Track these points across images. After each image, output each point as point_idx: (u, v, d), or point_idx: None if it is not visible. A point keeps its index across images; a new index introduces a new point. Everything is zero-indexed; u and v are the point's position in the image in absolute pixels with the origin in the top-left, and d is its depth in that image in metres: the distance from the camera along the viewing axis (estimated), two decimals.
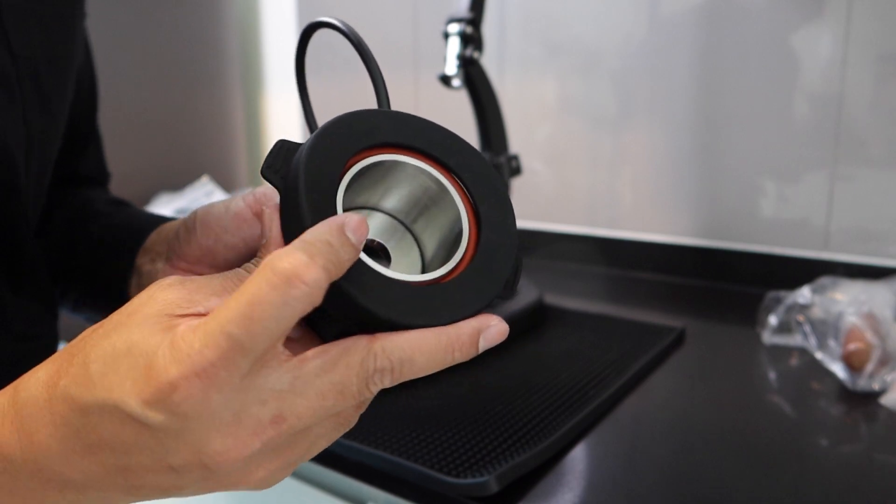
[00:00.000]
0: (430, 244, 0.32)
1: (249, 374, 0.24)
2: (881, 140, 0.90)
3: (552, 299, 0.93)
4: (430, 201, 0.32)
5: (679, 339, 0.81)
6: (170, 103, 1.45)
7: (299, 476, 0.64)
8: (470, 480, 0.50)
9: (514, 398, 0.64)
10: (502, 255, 0.30)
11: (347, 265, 0.25)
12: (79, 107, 0.54)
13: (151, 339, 0.25)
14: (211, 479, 0.25)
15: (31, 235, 0.46)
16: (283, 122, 1.59)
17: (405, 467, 0.53)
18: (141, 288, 0.45)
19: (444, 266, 0.29)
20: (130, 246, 0.47)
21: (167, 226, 0.46)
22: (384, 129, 0.30)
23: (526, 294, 0.86)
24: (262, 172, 0.29)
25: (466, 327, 0.27)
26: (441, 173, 0.31)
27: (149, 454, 0.25)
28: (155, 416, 0.24)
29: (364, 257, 0.27)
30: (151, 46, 1.41)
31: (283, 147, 0.29)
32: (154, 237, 0.46)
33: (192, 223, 0.42)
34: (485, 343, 0.28)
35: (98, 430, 0.25)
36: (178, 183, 1.43)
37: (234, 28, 1.56)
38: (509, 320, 0.78)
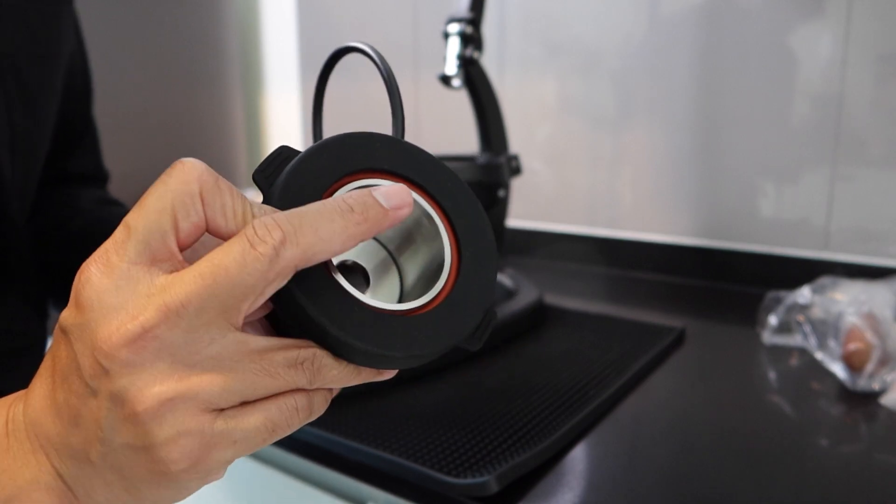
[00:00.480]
0: (411, 276, 0.32)
1: (139, 263, 0.24)
2: (881, 140, 0.90)
3: (552, 299, 0.93)
4: (420, 236, 0.32)
5: (679, 339, 0.81)
6: (170, 103, 1.45)
7: (299, 476, 0.64)
8: (470, 480, 0.50)
9: (514, 398, 0.64)
10: (473, 306, 0.29)
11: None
12: (72, 101, 0.53)
13: None
14: (115, 395, 0.24)
15: (19, 235, 0.45)
16: (283, 122, 1.59)
17: (405, 467, 0.53)
18: None
19: (414, 301, 0.29)
20: None
21: None
22: (386, 155, 0.30)
23: (526, 294, 0.86)
24: (253, 176, 0.28)
25: (351, 192, 0.27)
26: (436, 211, 0.31)
27: (73, 371, 0.25)
28: (66, 315, 0.25)
29: (335, 272, 0.27)
30: (151, 46, 1.41)
31: (281, 154, 0.29)
32: None
33: None
34: (386, 199, 0.26)
35: (56, 359, 0.26)
36: None
37: (234, 28, 1.56)
38: (509, 320, 0.79)
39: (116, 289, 0.24)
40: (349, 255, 0.31)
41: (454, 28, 0.85)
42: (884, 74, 0.88)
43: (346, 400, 0.64)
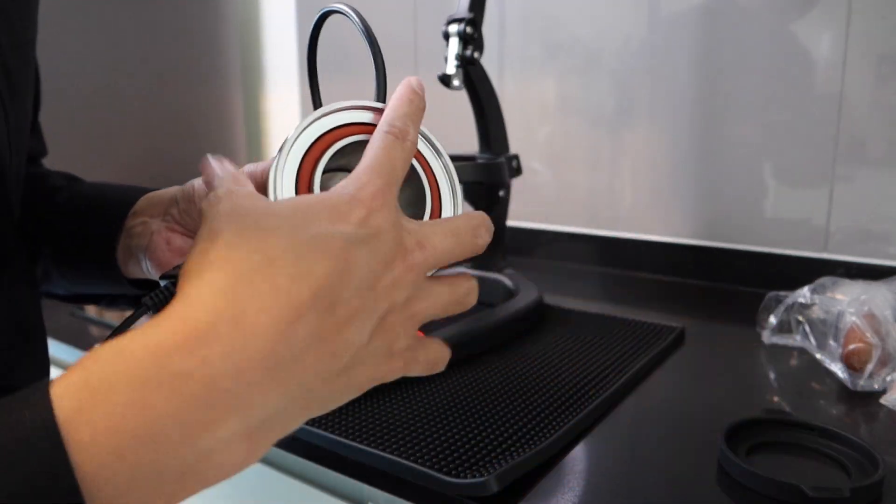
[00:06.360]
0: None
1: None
2: (881, 140, 0.90)
3: (552, 299, 0.93)
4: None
5: (679, 339, 0.81)
6: (170, 102, 1.45)
7: (299, 476, 0.64)
8: (470, 480, 0.50)
9: (514, 398, 0.64)
10: None
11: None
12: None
13: None
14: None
15: (14, 222, 0.46)
16: (283, 121, 1.59)
17: (405, 467, 0.53)
18: (129, 247, 0.49)
19: None
20: (117, 212, 0.50)
21: (158, 193, 0.50)
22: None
23: (526, 294, 0.86)
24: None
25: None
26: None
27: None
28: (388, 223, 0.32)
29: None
30: (152, 46, 1.41)
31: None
32: (144, 203, 0.50)
33: (190, 193, 0.45)
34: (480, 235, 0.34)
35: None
36: (177, 182, 1.43)
37: (234, 27, 1.56)
38: (510, 320, 0.79)
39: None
40: None
41: (454, 28, 0.85)
42: (884, 74, 0.88)
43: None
